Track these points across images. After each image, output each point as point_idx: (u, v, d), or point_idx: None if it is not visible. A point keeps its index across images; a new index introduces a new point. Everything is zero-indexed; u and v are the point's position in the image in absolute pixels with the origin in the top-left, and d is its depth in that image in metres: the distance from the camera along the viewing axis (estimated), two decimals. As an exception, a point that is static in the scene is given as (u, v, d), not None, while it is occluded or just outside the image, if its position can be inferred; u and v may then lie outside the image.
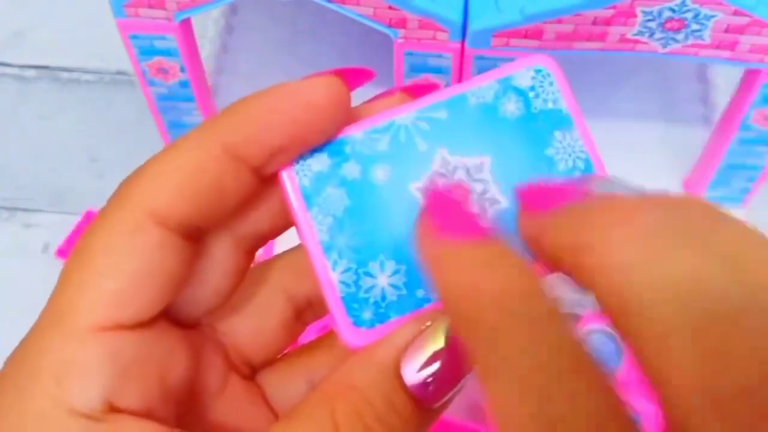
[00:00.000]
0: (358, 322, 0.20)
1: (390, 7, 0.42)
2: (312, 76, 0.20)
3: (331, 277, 0.20)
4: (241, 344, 0.23)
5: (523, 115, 0.21)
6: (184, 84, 0.48)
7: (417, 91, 0.22)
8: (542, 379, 0.15)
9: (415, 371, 0.18)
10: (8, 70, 0.63)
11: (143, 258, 0.19)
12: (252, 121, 0.19)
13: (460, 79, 0.45)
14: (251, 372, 0.23)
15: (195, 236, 0.20)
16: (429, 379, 0.18)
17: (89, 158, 0.59)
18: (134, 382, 0.18)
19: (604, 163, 0.22)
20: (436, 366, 0.18)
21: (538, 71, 0.22)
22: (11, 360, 0.19)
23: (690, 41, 0.41)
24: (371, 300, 0.20)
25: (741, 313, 0.15)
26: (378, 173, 0.21)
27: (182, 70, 0.47)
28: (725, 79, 0.58)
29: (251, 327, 0.23)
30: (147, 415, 0.18)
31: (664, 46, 0.42)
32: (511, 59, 0.44)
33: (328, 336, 0.24)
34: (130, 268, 0.18)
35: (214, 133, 0.19)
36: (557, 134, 0.21)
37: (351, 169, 0.21)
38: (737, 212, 0.53)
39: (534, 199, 0.19)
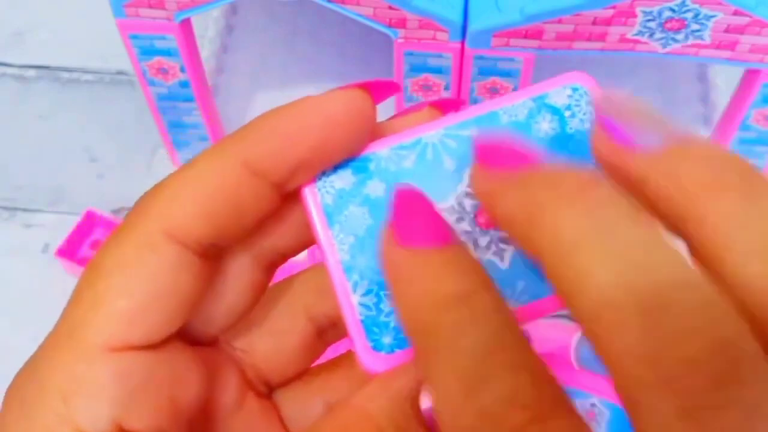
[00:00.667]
0: (377, 347, 0.19)
1: (390, 7, 0.42)
2: (336, 90, 0.19)
3: (352, 299, 0.19)
4: (259, 363, 0.22)
5: (557, 134, 0.20)
6: (184, 84, 0.48)
7: (445, 107, 0.21)
8: (478, 371, 0.15)
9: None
10: (8, 70, 0.63)
11: (158, 277, 0.18)
12: (273, 135, 0.19)
13: (460, 79, 0.45)
14: (269, 391, 0.23)
15: (213, 254, 0.19)
16: None
17: (89, 158, 0.59)
18: (144, 403, 0.18)
19: None
20: None
21: (575, 90, 0.21)
22: (20, 375, 0.18)
23: (690, 41, 0.41)
24: (392, 324, 0.19)
25: (682, 288, 0.15)
26: None
27: (182, 70, 0.47)
28: (725, 79, 0.58)
29: (270, 346, 0.22)
30: None
31: (664, 46, 0.42)
32: (511, 59, 0.44)
33: (347, 356, 0.23)
34: (144, 288, 0.18)
35: (234, 148, 0.19)
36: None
37: (375, 187, 0.20)
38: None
39: (490, 156, 0.18)
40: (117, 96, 0.62)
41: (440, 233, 0.17)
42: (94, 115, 0.61)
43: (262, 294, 0.21)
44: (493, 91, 0.46)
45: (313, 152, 0.19)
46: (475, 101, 0.47)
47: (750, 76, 0.44)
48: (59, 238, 0.51)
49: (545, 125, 0.20)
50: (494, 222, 0.18)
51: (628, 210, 0.16)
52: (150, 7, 0.43)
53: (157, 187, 0.19)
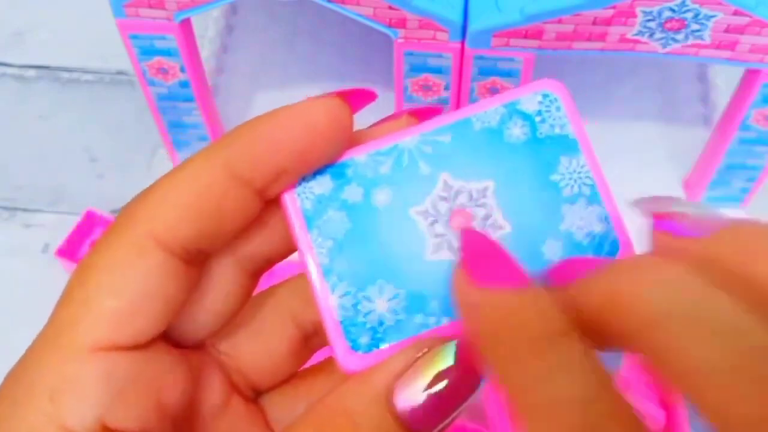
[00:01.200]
0: (355, 347, 0.20)
1: (390, 7, 0.42)
2: (314, 98, 0.20)
3: (330, 301, 0.20)
4: (245, 367, 0.23)
5: (528, 139, 0.21)
6: (184, 84, 0.48)
7: (422, 115, 0.22)
8: (579, 421, 0.16)
9: (407, 399, 0.18)
10: (8, 70, 0.63)
11: (145, 280, 0.19)
12: (255, 143, 0.19)
13: (460, 79, 0.45)
14: (255, 395, 0.23)
15: (198, 259, 0.20)
16: (421, 408, 0.18)
17: (89, 158, 0.59)
18: (129, 402, 0.18)
19: (611, 189, 0.22)
20: (428, 394, 0.18)
21: (545, 96, 0.21)
22: (10, 374, 0.19)
23: (690, 41, 0.41)
24: (369, 325, 0.20)
25: None
26: (379, 197, 0.20)
27: (182, 70, 0.47)
28: (725, 79, 0.58)
29: (256, 351, 0.22)
30: None
31: (664, 46, 0.42)
32: (511, 59, 0.44)
33: (331, 360, 0.22)
34: (132, 290, 0.18)
35: (217, 155, 0.19)
36: (563, 160, 0.21)
37: (353, 192, 0.20)
38: (737, 212, 0.53)
39: (563, 274, 0.19)
40: (117, 96, 0.62)
41: (518, 275, 0.18)
42: (94, 115, 0.61)
43: (248, 299, 0.22)
44: (493, 91, 0.46)
45: (294, 159, 0.19)
46: (475, 101, 0.47)
47: (750, 76, 0.44)
48: (59, 238, 0.51)
49: (516, 131, 0.21)
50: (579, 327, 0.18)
51: (703, 283, 0.16)
52: (150, 7, 0.43)
53: (145, 192, 0.20)
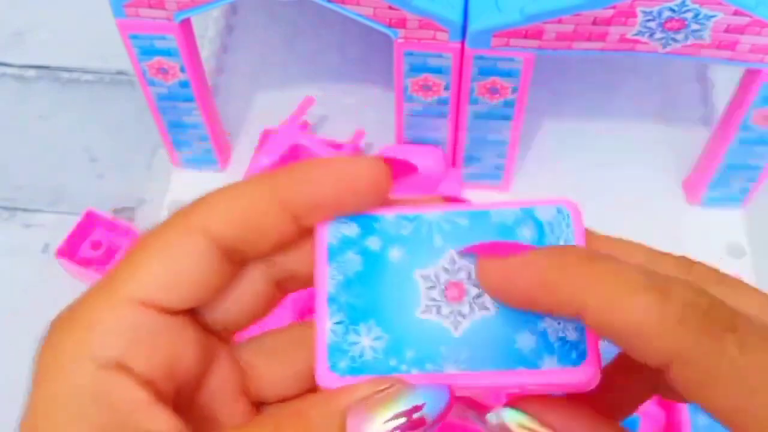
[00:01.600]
0: (333, 368, 0.23)
1: (390, 7, 0.42)
2: (364, 158, 0.24)
3: (326, 324, 0.23)
4: (257, 380, 0.25)
5: (534, 243, 0.23)
6: (184, 84, 0.48)
7: (452, 200, 0.25)
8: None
9: (358, 424, 0.20)
10: (8, 70, 0.63)
11: (189, 258, 0.22)
12: (303, 179, 0.23)
13: (460, 79, 0.45)
14: (260, 403, 0.25)
15: (235, 258, 0.23)
16: None
17: (89, 158, 0.59)
18: (143, 353, 0.22)
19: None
20: (382, 426, 0.20)
21: (559, 210, 0.24)
22: (64, 310, 0.23)
23: (690, 41, 0.41)
24: (350, 353, 0.23)
25: None
26: (394, 253, 0.24)
27: (182, 70, 0.47)
28: (725, 79, 0.58)
29: (273, 373, 0.25)
30: (148, 383, 0.21)
31: (664, 46, 0.42)
32: (511, 59, 0.44)
33: None
34: (177, 263, 0.22)
35: (269, 180, 0.23)
36: None
37: (373, 243, 0.24)
38: (737, 212, 0.53)
39: (492, 250, 0.23)
40: (117, 96, 0.62)
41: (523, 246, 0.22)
42: (94, 115, 0.61)
43: (272, 308, 0.25)
44: (493, 91, 0.46)
45: (332, 202, 0.23)
46: (475, 101, 0.47)
47: (750, 76, 0.44)
48: (59, 238, 0.51)
49: (526, 233, 0.24)
50: (514, 300, 0.22)
51: None
52: (150, 7, 0.43)
53: (203, 197, 0.23)
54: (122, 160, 0.58)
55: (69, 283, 0.52)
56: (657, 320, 0.19)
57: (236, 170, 0.55)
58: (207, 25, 0.61)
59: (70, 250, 0.51)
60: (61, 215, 0.56)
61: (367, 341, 0.23)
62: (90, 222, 0.52)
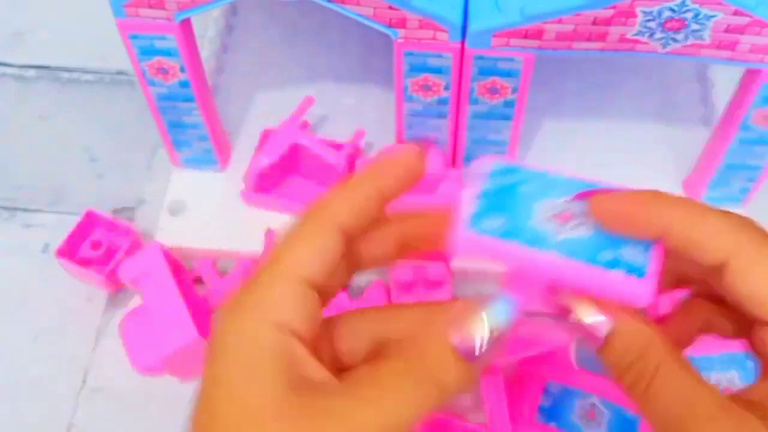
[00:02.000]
0: (468, 229, 0.30)
1: (390, 7, 0.42)
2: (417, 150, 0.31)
3: (468, 210, 0.31)
4: (339, 351, 0.30)
5: None
6: (184, 84, 0.48)
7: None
8: None
9: (463, 339, 0.27)
10: (8, 70, 0.63)
11: (330, 246, 0.28)
12: (358, 211, 0.29)
13: (460, 79, 0.45)
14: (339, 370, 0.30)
15: (349, 241, 0.29)
16: (473, 347, 0.27)
17: (89, 158, 0.59)
18: (305, 318, 0.27)
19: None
20: (480, 337, 0.27)
21: None
22: (236, 294, 0.28)
23: (690, 41, 0.41)
24: (481, 228, 0.31)
25: None
26: (523, 188, 0.32)
27: (182, 70, 0.47)
28: (725, 79, 0.58)
29: (351, 344, 0.30)
30: (307, 342, 0.27)
31: (664, 46, 0.42)
32: (511, 59, 0.44)
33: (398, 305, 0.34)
34: (323, 249, 0.28)
35: (373, 179, 0.30)
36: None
37: (511, 179, 0.33)
38: (737, 212, 0.53)
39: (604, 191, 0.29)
40: (117, 96, 0.62)
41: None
42: (94, 115, 0.61)
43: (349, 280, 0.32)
44: (493, 91, 0.46)
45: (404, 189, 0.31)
46: (475, 101, 0.47)
47: (750, 76, 0.44)
48: (59, 238, 0.51)
49: None
50: (631, 227, 0.29)
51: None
52: (150, 7, 0.43)
53: (328, 194, 0.30)
54: (122, 160, 0.58)
55: (69, 283, 0.52)
56: (721, 229, 0.27)
57: (236, 170, 0.55)
58: (207, 25, 0.61)
59: (70, 250, 0.51)
60: (61, 215, 0.56)
61: (494, 224, 0.31)
62: (90, 222, 0.52)
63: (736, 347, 0.46)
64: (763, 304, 0.26)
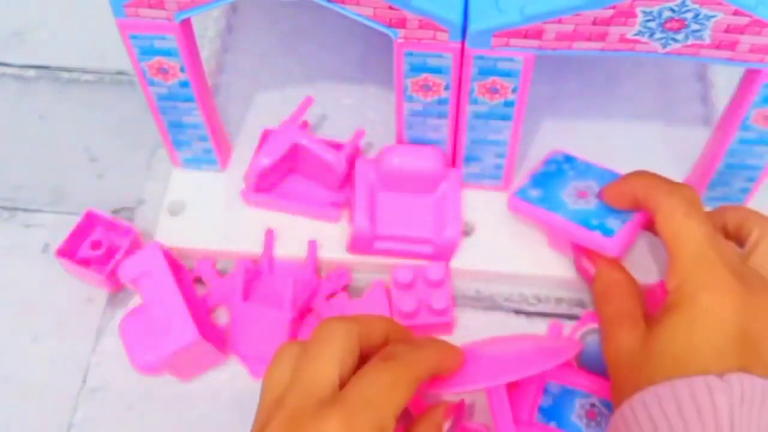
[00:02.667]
0: (520, 199, 0.50)
1: (390, 7, 0.42)
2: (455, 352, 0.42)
3: (524, 181, 0.51)
4: None
5: None
6: (184, 84, 0.48)
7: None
8: None
9: None
10: (8, 70, 0.63)
11: (355, 345, 0.38)
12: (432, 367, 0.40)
13: (460, 79, 0.45)
14: None
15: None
16: None
17: (89, 158, 0.59)
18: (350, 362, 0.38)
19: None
20: None
21: None
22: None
23: (690, 41, 0.41)
24: (529, 199, 0.50)
25: None
26: (570, 172, 0.51)
27: (182, 70, 0.47)
28: (725, 79, 0.58)
29: None
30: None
31: (664, 46, 0.42)
32: (511, 59, 0.44)
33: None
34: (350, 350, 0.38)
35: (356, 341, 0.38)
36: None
37: (560, 166, 0.52)
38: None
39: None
40: (117, 96, 0.62)
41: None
42: (94, 115, 0.61)
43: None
44: (493, 91, 0.46)
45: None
46: (475, 101, 0.47)
47: (750, 76, 0.44)
48: (59, 238, 0.51)
49: None
50: (626, 201, 0.47)
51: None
52: (150, 7, 0.43)
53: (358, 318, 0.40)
54: (122, 160, 0.58)
55: (69, 283, 0.52)
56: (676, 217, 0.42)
57: (236, 170, 0.55)
58: (207, 25, 0.61)
59: (70, 250, 0.51)
60: (61, 215, 0.56)
61: (534, 193, 0.49)
62: (90, 222, 0.52)
63: None
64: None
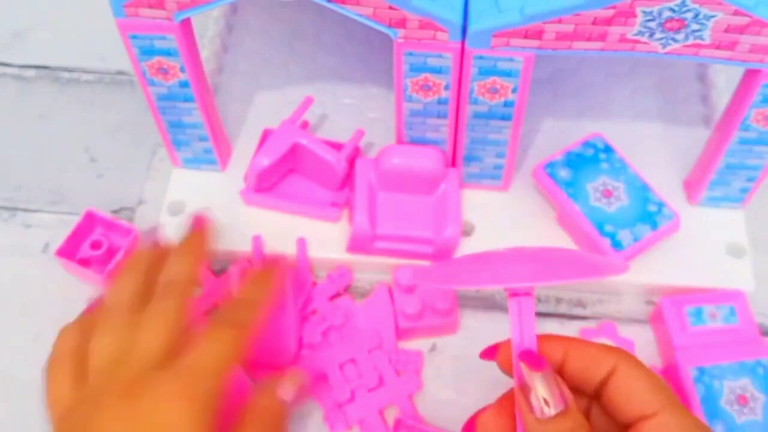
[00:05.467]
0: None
1: (390, 7, 0.42)
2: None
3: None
4: None
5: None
6: (184, 84, 0.48)
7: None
8: None
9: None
10: (8, 70, 0.63)
11: None
12: None
13: (460, 79, 0.45)
14: None
15: None
16: None
17: (89, 158, 0.59)
18: None
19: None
20: None
21: None
22: None
23: (690, 41, 0.41)
24: (556, 179, 0.50)
25: None
26: (604, 162, 0.51)
27: (182, 70, 0.47)
28: (725, 79, 0.58)
29: None
30: None
31: (664, 46, 0.42)
32: (511, 59, 0.44)
33: None
34: None
35: None
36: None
37: (595, 154, 0.52)
38: (737, 212, 0.53)
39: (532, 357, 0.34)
40: (117, 96, 0.62)
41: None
42: (94, 115, 0.61)
43: None
44: (493, 91, 0.46)
45: None
46: (475, 101, 0.47)
47: (750, 76, 0.44)
48: (59, 238, 0.51)
49: (652, 207, 0.52)
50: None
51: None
52: (150, 7, 0.43)
53: None
54: (122, 160, 0.58)
55: (69, 283, 0.52)
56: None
57: (236, 170, 0.55)
58: (207, 25, 0.61)
59: (70, 250, 0.51)
60: (61, 215, 0.56)
61: (563, 173, 0.50)
62: (90, 222, 0.52)
63: (747, 356, 0.46)
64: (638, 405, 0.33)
